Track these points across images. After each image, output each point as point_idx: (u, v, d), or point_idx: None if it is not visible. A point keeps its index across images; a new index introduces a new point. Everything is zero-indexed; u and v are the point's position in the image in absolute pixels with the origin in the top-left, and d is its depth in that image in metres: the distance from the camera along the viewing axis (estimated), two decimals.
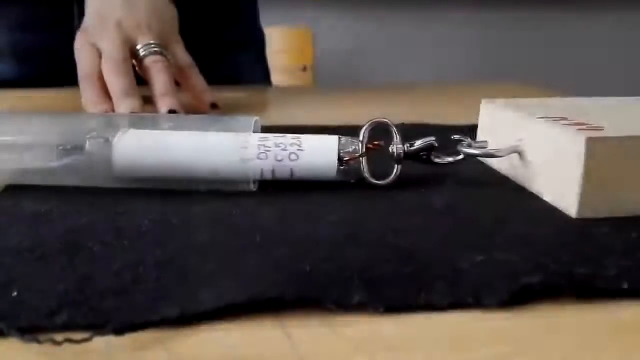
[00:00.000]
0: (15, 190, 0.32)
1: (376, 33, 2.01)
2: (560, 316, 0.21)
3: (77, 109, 0.54)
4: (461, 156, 0.34)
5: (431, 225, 0.28)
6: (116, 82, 0.52)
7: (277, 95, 0.79)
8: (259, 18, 0.92)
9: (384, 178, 0.33)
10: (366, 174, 0.33)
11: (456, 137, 0.35)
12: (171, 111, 0.52)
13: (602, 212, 0.28)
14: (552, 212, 0.29)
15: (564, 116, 0.32)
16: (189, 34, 0.62)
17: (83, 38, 0.57)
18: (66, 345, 0.18)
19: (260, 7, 0.93)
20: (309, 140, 0.32)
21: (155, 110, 0.53)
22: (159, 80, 0.54)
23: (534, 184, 0.32)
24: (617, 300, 0.21)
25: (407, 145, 0.33)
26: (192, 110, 0.57)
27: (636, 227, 0.27)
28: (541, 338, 0.19)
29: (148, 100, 0.53)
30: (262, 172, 0.32)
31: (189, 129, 0.33)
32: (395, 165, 0.33)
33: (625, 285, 0.22)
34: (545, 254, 0.24)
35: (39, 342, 0.18)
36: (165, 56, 0.56)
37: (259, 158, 0.31)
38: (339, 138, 0.33)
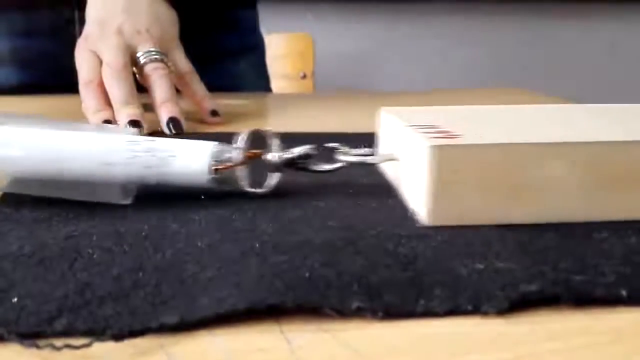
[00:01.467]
0: (16, 196, 0.32)
1: (377, 40, 2.01)
2: (560, 323, 0.21)
3: (78, 116, 0.54)
4: (339, 164, 0.33)
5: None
6: (116, 89, 0.52)
7: (277, 101, 0.79)
8: (258, 24, 0.92)
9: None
10: (243, 183, 0.32)
11: (331, 145, 0.34)
12: (172, 119, 0.52)
13: (453, 219, 0.28)
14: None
15: (436, 124, 0.32)
16: (189, 41, 0.62)
17: (84, 45, 0.57)
18: (66, 351, 0.18)
19: (261, 14, 0.93)
20: (182, 147, 0.31)
21: (156, 117, 0.53)
22: (160, 87, 0.54)
23: (404, 192, 0.32)
24: (616, 306, 0.21)
25: (283, 153, 0.33)
26: (192, 117, 0.57)
27: (636, 231, 0.27)
28: (540, 345, 0.19)
29: (149, 108, 0.53)
30: (130, 178, 0.31)
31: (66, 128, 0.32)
32: (274, 174, 0.33)
33: (624, 293, 0.22)
34: (543, 262, 0.24)
35: (38, 347, 0.18)
36: (165, 63, 0.56)
37: (126, 163, 0.30)
38: (215, 145, 0.32)
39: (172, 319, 0.20)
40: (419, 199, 0.29)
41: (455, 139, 0.28)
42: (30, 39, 0.77)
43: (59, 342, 0.18)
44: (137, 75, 0.56)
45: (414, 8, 2.00)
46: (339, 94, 0.86)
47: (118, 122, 0.52)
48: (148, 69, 0.55)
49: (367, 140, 0.37)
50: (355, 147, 0.34)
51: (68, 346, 0.18)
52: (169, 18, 0.61)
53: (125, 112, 0.51)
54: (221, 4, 0.83)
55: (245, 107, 0.69)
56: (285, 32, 1.49)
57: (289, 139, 0.33)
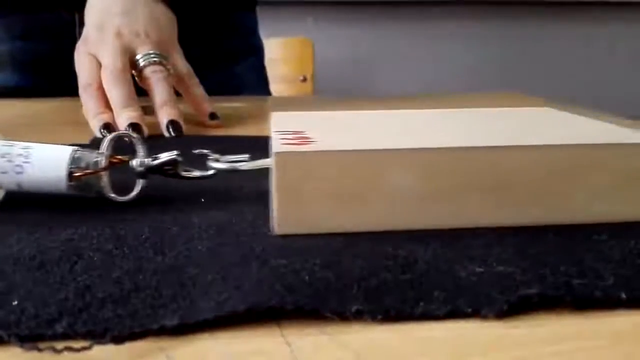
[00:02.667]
0: (16, 199, 0.32)
1: (376, 44, 2.01)
2: (559, 325, 0.21)
3: (78, 119, 0.54)
4: (211, 171, 0.32)
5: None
6: (115, 92, 0.53)
7: (277, 105, 0.79)
8: (258, 28, 0.93)
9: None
10: (105, 189, 0.31)
11: (199, 151, 0.33)
12: (172, 121, 0.52)
13: (302, 228, 0.27)
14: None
15: (304, 130, 0.32)
16: (188, 44, 0.62)
17: (83, 48, 0.57)
18: (66, 354, 0.18)
19: (261, 18, 0.93)
20: (39, 152, 0.30)
21: (155, 120, 0.53)
22: (159, 90, 0.54)
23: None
24: (615, 309, 0.22)
25: (149, 159, 0.32)
26: (192, 120, 0.57)
27: (635, 234, 0.27)
28: (540, 348, 0.19)
29: (149, 111, 0.54)
30: None
31: None
32: (139, 180, 0.32)
33: (624, 295, 0.22)
34: (543, 265, 0.24)
35: (39, 350, 0.18)
36: (164, 66, 0.56)
37: None
38: (75, 150, 0.31)
39: (172, 321, 0.20)
40: (272, 206, 0.28)
41: (305, 145, 0.28)
42: (30, 41, 0.77)
43: (59, 345, 0.18)
44: (136, 78, 0.56)
45: (413, 13, 2.00)
46: (339, 96, 0.87)
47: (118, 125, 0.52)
48: (147, 71, 0.55)
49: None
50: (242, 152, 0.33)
51: (68, 349, 0.18)
52: (168, 20, 0.61)
53: (124, 115, 0.51)
54: (221, 8, 0.83)
55: (244, 110, 0.69)
56: (286, 36, 1.49)
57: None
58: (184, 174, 0.33)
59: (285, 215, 0.27)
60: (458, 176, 0.28)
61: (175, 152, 0.32)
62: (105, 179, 0.31)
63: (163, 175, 0.32)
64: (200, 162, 0.33)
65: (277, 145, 0.28)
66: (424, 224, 0.28)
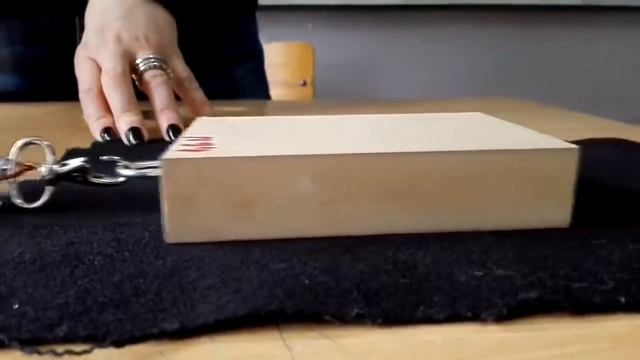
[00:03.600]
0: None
1: (376, 48, 2.02)
2: (558, 330, 0.21)
3: (78, 123, 0.54)
4: (121, 178, 0.32)
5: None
6: (115, 96, 0.53)
7: (276, 109, 0.80)
8: (257, 32, 0.93)
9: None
10: (13, 196, 0.31)
11: (109, 157, 0.33)
12: (172, 125, 0.52)
13: (195, 236, 0.27)
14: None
15: (212, 136, 0.31)
16: (187, 48, 0.62)
17: (83, 53, 0.57)
18: (67, 357, 0.18)
19: (261, 23, 0.93)
20: None
21: (156, 124, 0.53)
22: (159, 94, 0.54)
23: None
24: (615, 313, 0.22)
25: (57, 166, 0.32)
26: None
27: (635, 238, 0.27)
28: (539, 351, 0.19)
29: (149, 115, 0.54)
30: None
31: None
32: (47, 187, 0.32)
33: (623, 300, 0.22)
34: (542, 269, 0.24)
35: (39, 353, 0.18)
36: (164, 70, 0.56)
37: None
38: None
39: (172, 325, 0.20)
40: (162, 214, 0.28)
41: (200, 152, 0.27)
42: (30, 45, 0.77)
43: (60, 349, 0.18)
44: (136, 82, 0.56)
45: (412, 18, 2.01)
46: (339, 101, 0.87)
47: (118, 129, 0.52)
48: (147, 76, 0.55)
49: None
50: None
51: (69, 352, 0.18)
52: (167, 24, 0.61)
53: (125, 119, 0.52)
54: (221, 12, 0.83)
55: (244, 114, 0.69)
56: (286, 41, 1.49)
57: None
58: (94, 180, 0.32)
59: (176, 223, 0.27)
60: (355, 183, 0.27)
61: (82, 159, 0.32)
62: (11, 185, 0.31)
63: (72, 182, 0.32)
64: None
65: (170, 151, 0.28)
66: (321, 232, 0.28)
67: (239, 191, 0.27)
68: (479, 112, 0.41)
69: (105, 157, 0.33)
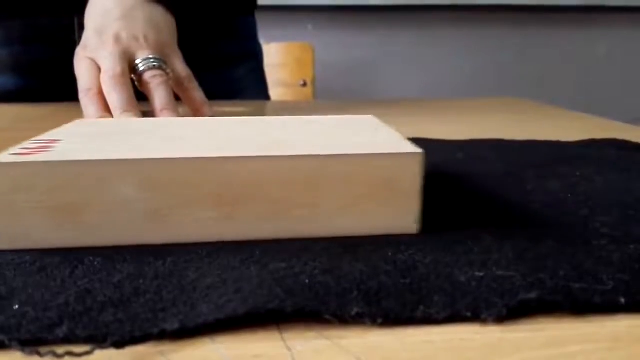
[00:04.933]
0: None
1: (376, 49, 2.02)
2: (558, 330, 0.21)
3: None
4: None
5: None
6: (115, 97, 0.53)
7: (276, 109, 0.80)
8: (257, 32, 0.93)
9: None
10: None
11: None
12: None
13: (16, 243, 0.26)
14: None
15: (60, 139, 0.30)
16: (188, 47, 0.62)
17: (82, 53, 0.57)
18: (67, 358, 0.18)
19: (261, 23, 0.93)
20: None
21: None
22: (159, 94, 0.54)
23: None
24: (614, 314, 0.22)
25: None
26: None
27: (635, 239, 0.27)
28: (539, 351, 0.19)
29: (149, 115, 0.54)
30: None
31: None
32: None
33: (622, 300, 0.22)
34: (542, 269, 0.24)
35: (40, 354, 0.18)
36: (164, 70, 0.56)
37: None
38: None
39: (172, 325, 0.20)
40: None
41: (26, 155, 0.26)
42: (30, 45, 0.77)
43: (60, 349, 0.18)
44: (136, 83, 0.56)
45: (412, 18, 2.01)
46: (338, 101, 0.87)
47: None
48: (147, 76, 0.55)
49: None
50: None
51: (69, 353, 0.18)
52: (167, 24, 0.61)
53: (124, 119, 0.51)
54: (220, 12, 0.83)
55: (243, 114, 0.69)
56: (286, 41, 1.49)
57: None
58: None
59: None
60: (181, 188, 0.26)
61: None
62: None
63: None
64: None
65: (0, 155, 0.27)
66: (147, 239, 0.27)
67: (61, 197, 0.26)
68: (370, 116, 0.40)
69: None
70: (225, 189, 0.27)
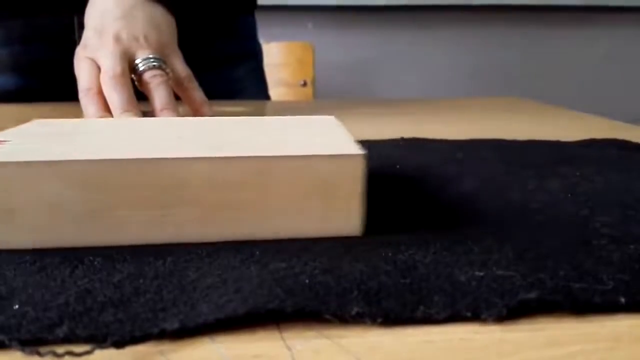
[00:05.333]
0: None
1: (377, 48, 2.02)
2: (558, 330, 0.21)
3: None
4: None
5: None
6: (115, 97, 0.53)
7: (276, 109, 0.80)
8: (256, 31, 0.93)
9: None
10: None
11: None
12: None
13: None
14: None
15: (8, 140, 0.30)
16: (188, 47, 0.62)
17: (82, 53, 0.57)
18: (67, 358, 0.18)
19: (261, 22, 0.93)
20: None
21: None
22: (159, 94, 0.54)
23: None
24: (615, 313, 0.22)
25: None
26: None
27: (635, 239, 0.27)
28: (539, 351, 0.19)
29: (149, 115, 0.54)
30: None
31: None
32: None
33: (623, 300, 0.22)
34: (542, 269, 0.24)
35: (40, 354, 0.18)
36: (164, 70, 0.56)
37: None
38: None
39: (172, 325, 0.20)
40: None
41: None
42: (30, 45, 0.77)
43: (60, 349, 0.18)
44: (135, 83, 0.56)
45: (413, 17, 2.01)
46: (339, 101, 0.87)
47: None
48: (147, 76, 0.55)
49: None
50: None
51: (69, 353, 0.18)
52: (167, 24, 0.61)
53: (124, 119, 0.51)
54: (220, 11, 0.83)
55: (243, 114, 0.69)
56: (287, 40, 1.49)
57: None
58: None
59: None
60: (116, 190, 0.26)
61: None
62: None
63: None
64: None
65: None
66: (81, 242, 0.26)
67: None
68: (331, 117, 0.39)
69: None
70: (159, 190, 0.26)
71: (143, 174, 0.26)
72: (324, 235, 0.28)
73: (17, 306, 0.21)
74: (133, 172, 0.26)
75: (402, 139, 0.52)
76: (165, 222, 0.27)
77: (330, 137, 0.31)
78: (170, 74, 0.57)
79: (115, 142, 0.30)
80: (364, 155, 0.28)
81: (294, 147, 0.29)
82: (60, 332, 0.19)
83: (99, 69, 0.55)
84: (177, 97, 0.57)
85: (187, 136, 0.32)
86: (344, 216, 0.28)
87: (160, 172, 0.26)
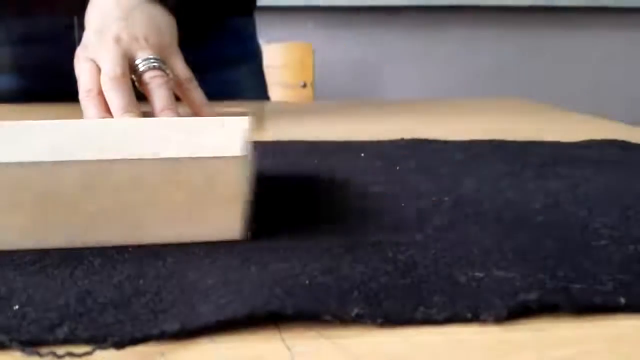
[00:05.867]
0: None
1: (377, 49, 2.02)
2: (558, 330, 0.21)
3: None
4: None
5: None
6: (115, 98, 0.53)
7: (276, 110, 0.80)
8: (256, 32, 0.93)
9: None
10: None
11: None
12: None
13: None
14: None
15: None
16: (187, 48, 0.62)
17: (82, 54, 0.57)
18: (67, 359, 0.18)
19: (261, 23, 0.93)
20: None
21: None
22: (159, 95, 0.54)
23: None
24: (615, 314, 0.22)
25: None
26: None
27: (635, 239, 0.27)
28: (539, 352, 0.19)
29: (149, 116, 0.54)
30: None
31: None
32: None
33: (623, 301, 0.22)
34: (542, 270, 0.24)
35: (40, 355, 0.18)
36: (164, 70, 0.56)
37: None
38: None
39: (173, 326, 0.20)
40: None
41: None
42: (30, 45, 0.77)
43: (60, 350, 0.18)
44: (136, 83, 0.56)
45: (414, 18, 2.01)
46: (339, 102, 0.87)
47: None
48: (147, 77, 0.55)
49: None
50: None
51: (70, 354, 0.18)
52: (167, 25, 0.61)
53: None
54: (219, 12, 0.83)
55: (244, 115, 0.69)
56: (286, 41, 1.49)
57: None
58: None
59: None
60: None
61: None
62: None
63: None
64: None
65: None
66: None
67: None
68: (246, 117, 0.36)
69: None
70: (34, 195, 0.26)
71: (14, 178, 0.25)
72: (209, 239, 0.27)
73: (17, 306, 0.21)
74: (10, 177, 0.25)
75: (402, 139, 0.52)
76: (39, 228, 0.26)
77: (223, 139, 0.29)
78: (171, 75, 0.57)
79: (23, 145, 0.29)
80: (245, 156, 0.27)
81: (179, 150, 0.27)
82: (61, 332, 0.19)
83: (99, 69, 0.55)
84: (177, 98, 0.57)
85: (70, 140, 0.30)
86: (227, 219, 0.27)
87: (33, 177, 0.25)
